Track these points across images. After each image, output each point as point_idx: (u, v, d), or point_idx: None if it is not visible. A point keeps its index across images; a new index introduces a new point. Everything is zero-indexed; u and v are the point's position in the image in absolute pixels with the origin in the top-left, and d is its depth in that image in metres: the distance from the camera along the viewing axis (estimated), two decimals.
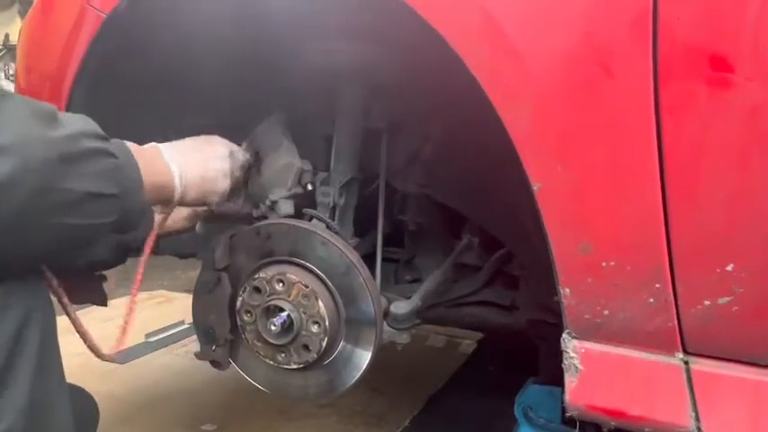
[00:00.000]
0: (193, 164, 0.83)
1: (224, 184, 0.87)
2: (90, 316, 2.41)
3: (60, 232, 0.60)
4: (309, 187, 1.00)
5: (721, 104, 0.57)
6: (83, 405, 0.90)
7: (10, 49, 3.69)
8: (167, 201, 0.81)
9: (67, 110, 0.98)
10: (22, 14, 3.71)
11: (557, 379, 0.74)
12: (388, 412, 1.55)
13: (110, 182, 0.62)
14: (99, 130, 0.64)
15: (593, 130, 0.62)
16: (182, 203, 0.83)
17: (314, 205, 1.02)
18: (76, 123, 0.61)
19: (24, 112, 0.57)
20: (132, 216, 0.68)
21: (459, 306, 1.21)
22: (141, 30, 0.92)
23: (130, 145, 0.72)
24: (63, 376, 0.66)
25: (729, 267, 0.61)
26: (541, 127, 0.64)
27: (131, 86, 1.01)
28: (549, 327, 0.99)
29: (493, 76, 0.64)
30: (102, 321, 2.34)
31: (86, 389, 0.98)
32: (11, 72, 3.75)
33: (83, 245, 0.69)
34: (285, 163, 0.97)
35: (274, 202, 0.97)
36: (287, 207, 0.97)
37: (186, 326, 2.19)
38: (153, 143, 0.81)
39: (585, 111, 0.62)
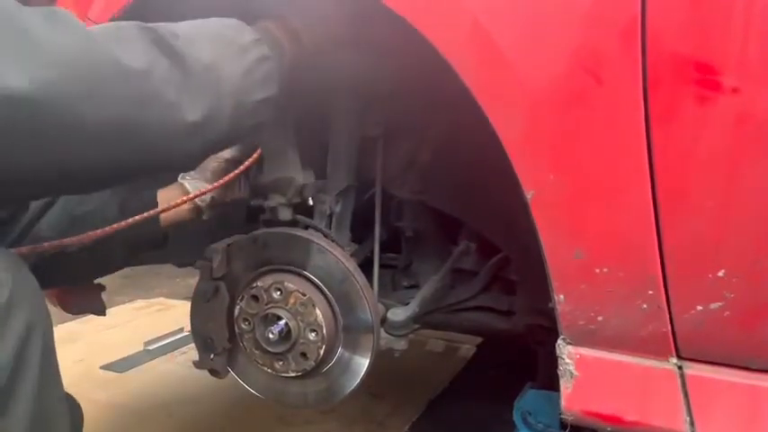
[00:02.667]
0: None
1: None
2: (90, 324, 2.43)
3: (246, 128, 0.71)
4: (310, 202, 1.01)
5: (710, 112, 0.58)
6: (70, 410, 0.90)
7: None
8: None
9: None
10: None
11: (555, 384, 0.75)
12: (387, 418, 1.55)
13: (272, 81, 0.73)
14: (251, 30, 0.73)
15: (584, 138, 0.63)
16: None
17: (311, 212, 1.03)
18: (241, 35, 0.71)
19: (213, 33, 0.69)
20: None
21: (457, 311, 1.21)
22: None
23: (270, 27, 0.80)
24: (62, 387, 0.67)
25: (721, 273, 0.61)
26: (533, 135, 0.65)
27: None
28: (547, 332, 0.99)
29: (484, 85, 0.65)
30: (104, 329, 2.35)
31: (86, 397, 0.98)
32: None
33: (251, 136, 0.83)
34: (287, 177, 0.97)
35: (273, 209, 0.98)
36: (285, 214, 0.98)
37: (185, 333, 2.20)
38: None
39: (576, 119, 0.63)
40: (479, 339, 2.03)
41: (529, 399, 1.13)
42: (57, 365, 0.65)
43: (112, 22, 0.63)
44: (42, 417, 0.59)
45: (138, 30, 0.61)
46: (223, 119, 0.65)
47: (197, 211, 0.95)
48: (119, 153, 0.57)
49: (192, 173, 0.97)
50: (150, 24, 0.63)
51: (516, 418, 1.13)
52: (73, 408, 0.93)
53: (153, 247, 0.97)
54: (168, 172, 0.88)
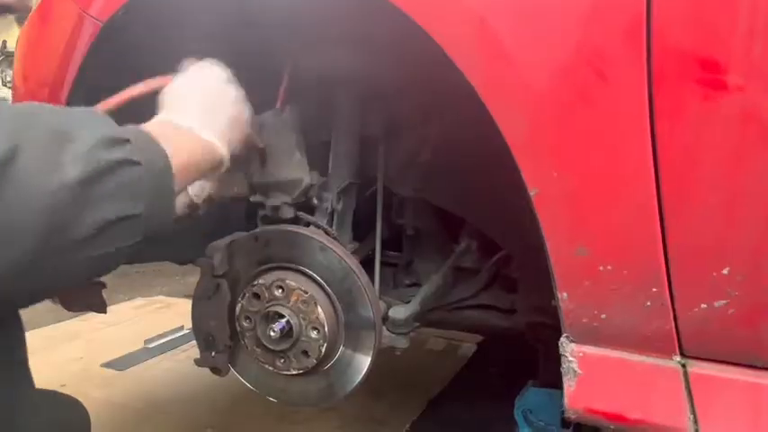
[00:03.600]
0: (221, 118, 0.73)
1: (247, 114, 0.80)
2: (90, 322, 2.43)
3: (78, 267, 0.52)
4: (315, 201, 1.00)
5: (715, 109, 0.58)
6: (72, 413, 0.89)
7: (7, 57, 3.69)
8: (215, 169, 0.73)
9: None
10: (20, 22, 3.71)
11: (556, 382, 0.75)
12: (388, 416, 1.55)
13: (135, 198, 0.54)
14: (115, 128, 0.55)
15: (588, 135, 0.62)
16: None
17: (312, 209, 1.02)
18: (88, 130, 0.51)
19: (38, 122, 0.49)
20: (161, 228, 0.59)
21: (459, 309, 1.21)
22: (138, 37, 0.92)
23: (154, 133, 0.61)
24: (31, 393, 0.62)
25: (725, 271, 0.61)
26: (537, 132, 0.64)
27: None
28: (549, 329, 0.99)
29: (488, 82, 0.65)
30: (105, 326, 2.35)
31: (86, 395, 0.98)
32: (8, 79, 3.75)
33: (103, 273, 0.58)
34: (294, 178, 0.97)
35: (276, 207, 0.97)
36: (289, 212, 0.97)
37: (186, 331, 2.20)
38: (161, 118, 0.71)
39: (581, 116, 0.62)
40: (480, 338, 2.03)
41: (530, 397, 1.13)
42: (26, 370, 0.61)
43: None
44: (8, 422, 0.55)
45: None
46: (24, 240, 0.46)
47: (193, 207, 0.90)
48: None
49: None
50: None
51: (517, 416, 1.13)
52: (77, 411, 0.93)
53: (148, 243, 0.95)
54: None
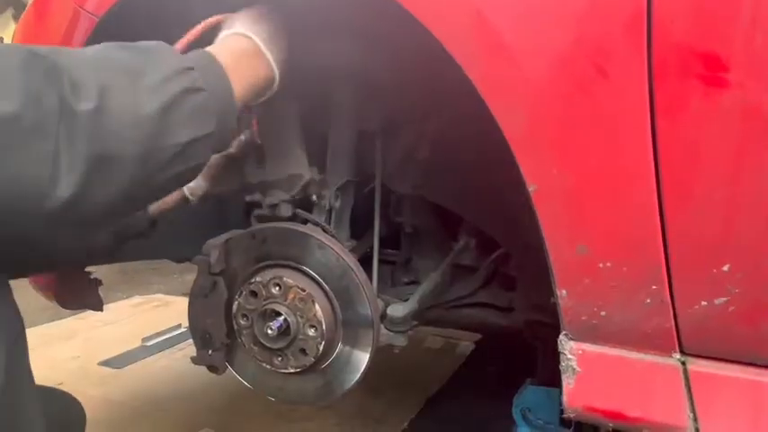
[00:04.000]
0: (280, 44, 0.80)
1: (285, 39, 0.84)
2: (87, 320, 2.42)
3: (166, 183, 0.60)
4: (314, 198, 1.00)
5: (716, 105, 0.57)
6: (67, 410, 0.89)
7: None
8: (267, 89, 0.79)
9: None
10: (17, 18, 3.70)
11: (554, 380, 0.74)
12: (386, 414, 1.55)
13: (204, 120, 0.61)
14: (181, 58, 0.62)
15: (588, 131, 0.62)
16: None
17: (310, 206, 1.02)
18: (155, 64, 0.58)
19: (112, 64, 0.55)
20: (226, 141, 0.69)
21: (457, 308, 1.21)
22: (134, 32, 0.91)
23: (218, 49, 0.70)
24: (34, 394, 0.62)
25: (725, 268, 0.61)
26: (537, 128, 0.64)
27: None
28: (547, 328, 0.99)
29: (488, 77, 0.64)
30: (102, 324, 2.34)
31: (83, 394, 0.98)
32: None
33: (183, 185, 0.71)
34: (294, 174, 0.96)
35: (275, 205, 0.96)
36: (287, 210, 0.97)
37: (183, 329, 2.19)
38: (235, 32, 0.76)
39: (581, 112, 0.62)
40: (478, 336, 2.03)
41: (528, 395, 1.12)
42: (28, 369, 0.61)
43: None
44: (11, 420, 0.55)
45: (23, 59, 0.49)
46: (124, 163, 0.53)
47: (184, 199, 0.91)
48: None
49: None
50: (41, 49, 0.52)
51: (516, 414, 1.12)
52: (73, 407, 0.93)
53: (139, 236, 0.95)
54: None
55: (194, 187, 0.93)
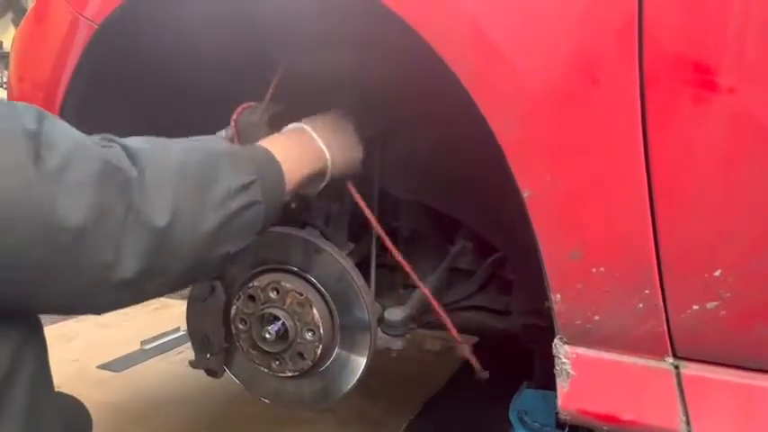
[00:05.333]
0: (338, 141, 0.86)
1: (358, 153, 0.92)
2: (86, 323, 2.42)
3: (203, 277, 0.71)
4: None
5: (706, 112, 0.58)
6: (74, 414, 0.89)
7: (3, 57, 3.69)
8: (319, 181, 0.84)
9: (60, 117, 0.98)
10: (16, 23, 3.71)
11: (551, 383, 0.75)
12: (384, 417, 1.55)
13: (252, 232, 0.66)
14: (247, 170, 0.65)
15: (581, 138, 0.63)
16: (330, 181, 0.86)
17: (308, 211, 1.02)
18: (222, 179, 0.61)
19: (187, 175, 0.58)
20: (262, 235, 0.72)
21: (454, 311, 1.21)
22: (133, 40, 0.92)
23: (280, 141, 0.80)
24: (54, 402, 0.66)
25: (717, 273, 0.61)
26: (530, 135, 0.65)
27: (124, 96, 1.01)
28: (543, 331, 0.99)
29: (481, 84, 0.65)
30: (101, 328, 2.35)
31: (82, 397, 0.98)
32: (4, 80, 3.75)
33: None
34: None
35: None
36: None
37: (182, 333, 2.19)
38: (298, 125, 0.84)
39: (573, 119, 0.63)
40: (476, 339, 2.03)
41: (525, 398, 1.13)
42: (50, 378, 0.65)
43: (74, 138, 0.53)
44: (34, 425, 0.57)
45: (100, 172, 0.51)
46: (169, 274, 0.58)
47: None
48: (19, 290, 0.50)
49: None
50: (122, 161, 0.55)
51: (513, 417, 1.13)
52: (81, 411, 0.93)
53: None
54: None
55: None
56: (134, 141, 0.59)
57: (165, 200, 0.55)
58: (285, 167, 0.72)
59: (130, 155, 0.55)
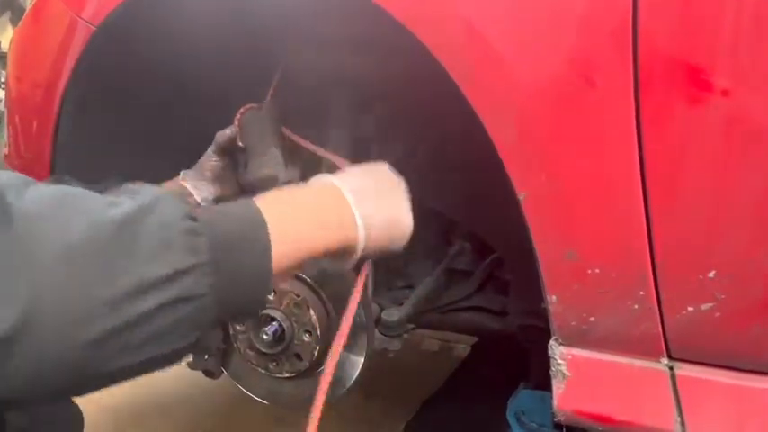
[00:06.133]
0: (379, 207, 0.65)
1: (409, 223, 0.73)
2: None
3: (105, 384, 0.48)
4: None
5: (701, 114, 0.58)
6: (64, 412, 0.89)
7: (1, 57, 3.69)
8: (344, 258, 0.64)
9: (58, 119, 0.98)
10: (14, 22, 3.71)
11: (548, 384, 0.75)
12: (382, 417, 1.55)
13: (188, 332, 0.46)
14: (186, 249, 0.45)
15: (576, 139, 0.63)
16: (362, 257, 0.66)
17: None
18: (147, 260, 0.42)
19: (62, 258, 0.39)
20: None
21: (452, 312, 1.21)
22: (131, 41, 0.92)
23: (290, 196, 0.59)
24: None
25: (711, 274, 0.62)
26: (525, 137, 0.65)
27: (122, 97, 1.01)
28: (541, 332, 0.99)
29: (476, 86, 0.65)
30: None
31: (79, 398, 0.98)
32: (2, 80, 3.74)
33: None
34: (268, 175, 0.97)
35: None
36: None
37: None
38: (327, 176, 0.63)
39: (568, 121, 0.63)
40: (474, 339, 2.03)
41: (522, 398, 1.13)
42: None
43: None
44: None
45: None
46: (27, 400, 0.43)
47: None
48: None
49: (189, 171, 0.97)
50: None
51: (510, 417, 1.13)
52: (73, 411, 0.93)
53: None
54: None
55: (206, 195, 0.96)
56: (29, 196, 0.41)
57: (21, 294, 0.37)
58: (283, 238, 0.52)
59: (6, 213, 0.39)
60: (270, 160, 0.97)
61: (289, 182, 0.98)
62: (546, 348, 0.73)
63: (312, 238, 0.58)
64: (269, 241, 0.51)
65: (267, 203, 0.54)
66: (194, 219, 0.47)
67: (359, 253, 0.64)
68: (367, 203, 0.63)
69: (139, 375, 0.48)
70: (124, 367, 0.45)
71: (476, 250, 1.16)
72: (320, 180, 0.66)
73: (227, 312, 0.50)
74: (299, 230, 0.56)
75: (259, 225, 0.51)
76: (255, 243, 0.50)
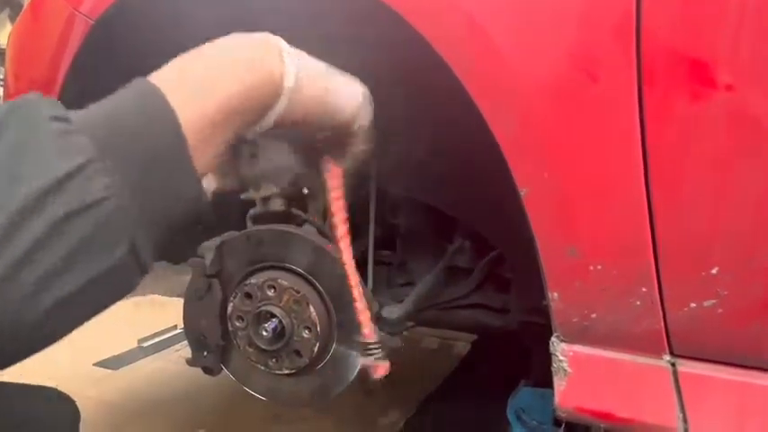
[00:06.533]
0: (319, 64, 0.55)
1: (358, 95, 0.61)
2: None
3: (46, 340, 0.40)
4: (305, 191, 1.00)
5: (704, 110, 0.58)
6: (60, 408, 0.89)
7: (0, 54, 3.68)
8: (260, 114, 0.50)
9: None
10: (13, 19, 3.69)
11: (548, 381, 0.75)
12: (382, 415, 1.55)
13: (113, 241, 0.39)
14: (64, 151, 0.37)
15: (578, 134, 0.63)
16: (282, 123, 0.53)
17: (305, 207, 1.02)
18: (17, 179, 0.35)
19: None
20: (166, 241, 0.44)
21: (452, 309, 1.21)
22: (131, 35, 0.92)
23: (188, 65, 0.45)
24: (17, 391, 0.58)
25: (714, 271, 0.61)
26: (527, 132, 0.64)
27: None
28: (541, 329, 0.99)
29: (479, 81, 0.65)
30: (98, 325, 2.32)
31: (78, 394, 0.97)
32: (1, 77, 3.73)
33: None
34: (282, 165, 0.96)
35: (266, 199, 0.97)
36: (278, 204, 0.97)
37: (179, 331, 2.19)
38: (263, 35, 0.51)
39: (571, 116, 0.62)
40: (474, 336, 2.03)
41: (523, 396, 1.13)
42: None
43: None
44: None
45: None
46: None
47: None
48: None
49: None
50: None
51: (510, 415, 1.13)
52: (68, 406, 0.93)
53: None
54: None
55: (206, 186, 0.94)
56: None
57: None
58: (185, 96, 0.42)
59: None
60: (282, 153, 0.96)
61: (301, 173, 0.97)
62: (547, 346, 0.73)
63: (223, 78, 0.45)
64: (166, 103, 0.41)
65: (160, 73, 0.44)
66: (63, 119, 0.38)
67: (284, 101, 0.50)
68: (303, 55, 0.51)
69: (82, 316, 0.42)
70: (52, 308, 0.37)
71: (476, 247, 1.16)
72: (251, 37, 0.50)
73: (154, 220, 0.40)
74: (204, 77, 0.45)
75: (148, 92, 0.41)
76: (149, 109, 0.41)
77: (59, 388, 0.97)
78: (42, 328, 0.37)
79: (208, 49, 0.49)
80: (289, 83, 0.50)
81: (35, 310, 0.35)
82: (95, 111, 0.41)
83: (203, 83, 0.45)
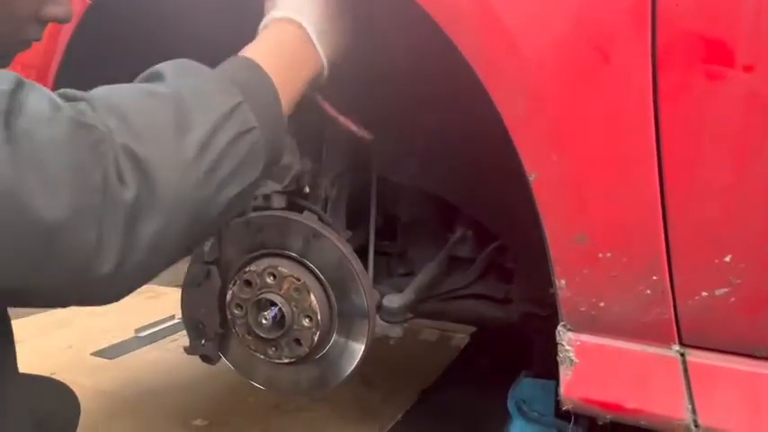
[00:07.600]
0: (333, 29, 0.71)
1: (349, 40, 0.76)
2: (80, 310, 2.39)
3: (216, 227, 0.58)
4: (307, 189, 0.98)
5: (720, 91, 0.56)
6: (60, 399, 0.88)
7: None
8: (313, 85, 0.71)
9: None
10: None
11: (550, 373, 0.73)
12: (381, 406, 1.54)
13: (255, 162, 0.55)
14: (227, 92, 0.54)
15: (589, 117, 0.61)
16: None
17: (306, 196, 1.00)
18: (201, 112, 0.51)
19: (156, 123, 0.48)
20: (273, 168, 0.62)
21: (453, 299, 1.20)
22: (126, 15, 0.90)
23: (263, 49, 0.64)
24: (20, 385, 0.62)
25: (727, 258, 0.60)
26: (536, 114, 0.62)
27: (117, 74, 0.98)
28: (543, 320, 0.98)
29: (489, 63, 0.63)
30: (94, 315, 2.33)
31: (75, 384, 0.96)
32: None
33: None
34: (284, 164, 0.94)
35: (268, 196, 0.95)
36: (280, 201, 0.95)
37: (177, 321, 2.18)
38: (283, 15, 0.68)
39: (582, 98, 0.60)
40: (473, 328, 2.03)
41: (524, 387, 1.12)
42: (14, 361, 0.60)
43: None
44: None
45: (69, 135, 0.43)
46: (165, 243, 0.48)
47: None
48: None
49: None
50: (88, 116, 0.46)
51: (511, 406, 1.12)
52: (68, 397, 0.91)
53: None
54: None
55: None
56: (96, 92, 0.50)
57: (133, 160, 0.45)
58: (278, 81, 0.60)
59: (96, 107, 0.47)
60: (287, 149, 0.94)
61: (303, 172, 0.96)
62: (548, 336, 0.71)
63: (298, 79, 0.66)
64: (276, 90, 0.60)
65: (255, 55, 0.62)
66: (214, 75, 0.56)
67: (323, 79, 0.72)
68: (323, 29, 0.70)
69: (233, 215, 0.58)
70: (224, 203, 0.53)
71: (478, 237, 1.14)
72: (279, 18, 0.69)
73: (269, 152, 0.57)
74: (286, 73, 0.64)
75: (260, 74, 0.59)
76: (265, 87, 0.59)
77: (57, 377, 0.96)
78: (222, 217, 0.54)
79: (275, 51, 0.67)
80: (326, 70, 0.72)
81: (220, 202, 0.52)
82: (236, 71, 0.59)
83: (289, 74, 0.65)
